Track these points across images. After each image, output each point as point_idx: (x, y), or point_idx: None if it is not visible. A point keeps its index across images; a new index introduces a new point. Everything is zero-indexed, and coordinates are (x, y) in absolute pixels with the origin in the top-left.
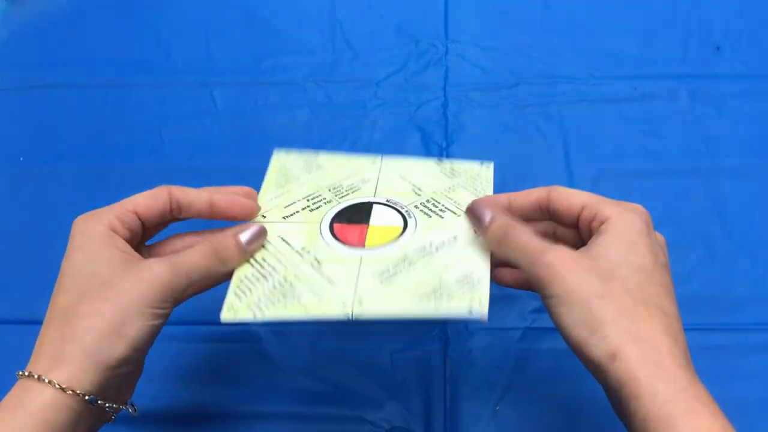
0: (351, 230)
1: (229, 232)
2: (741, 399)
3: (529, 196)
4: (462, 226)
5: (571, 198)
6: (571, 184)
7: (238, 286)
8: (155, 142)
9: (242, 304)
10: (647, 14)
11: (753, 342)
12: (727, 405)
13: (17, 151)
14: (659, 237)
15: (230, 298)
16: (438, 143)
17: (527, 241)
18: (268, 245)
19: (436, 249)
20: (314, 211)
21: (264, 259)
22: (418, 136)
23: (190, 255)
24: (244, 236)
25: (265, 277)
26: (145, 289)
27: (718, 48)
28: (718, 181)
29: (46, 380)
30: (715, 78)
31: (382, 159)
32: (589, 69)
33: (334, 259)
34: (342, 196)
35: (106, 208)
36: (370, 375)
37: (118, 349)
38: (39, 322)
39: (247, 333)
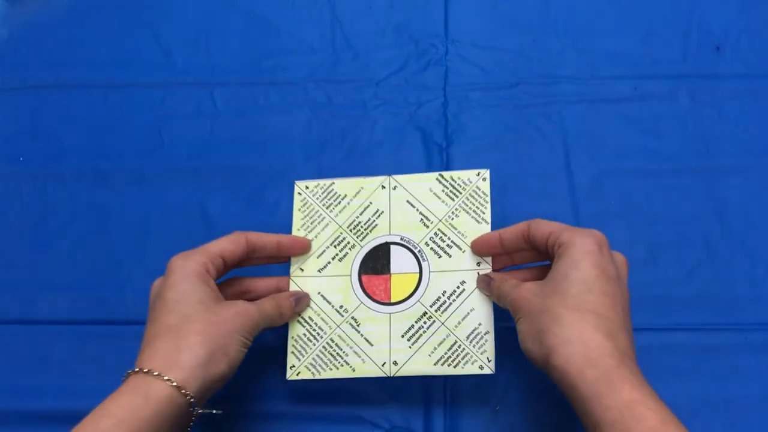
0: (377, 282)
1: (286, 294)
2: (741, 399)
3: (515, 230)
4: (466, 264)
5: (542, 228)
6: (571, 184)
7: (294, 346)
8: (155, 142)
9: (301, 365)
10: (647, 14)
11: (753, 342)
12: (727, 405)
13: (17, 151)
14: (618, 257)
15: (291, 359)
16: (438, 143)
17: (508, 289)
18: (312, 304)
19: (449, 299)
20: (342, 260)
21: (311, 318)
22: (418, 136)
23: (265, 304)
24: (294, 298)
25: (315, 337)
26: (242, 321)
27: (718, 48)
28: (718, 181)
29: (165, 378)
30: (715, 78)
31: (390, 182)
32: (589, 69)
33: (369, 318)
34: (362, 237)
35: (198, 251)
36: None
37: (221, 365)
38: (39, 322)
39: None
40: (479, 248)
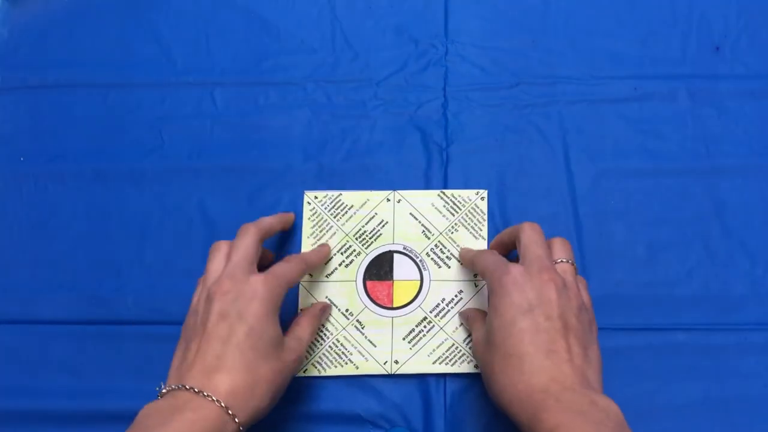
0: (381, 288)
1: (316, 312)
2: (741, 399)
3: (468, 254)
4: (464, 275)
5: (478, 268)
6: (571, 184)
7: None
8: (155, 142)
9: (308, 363)
10: (647, 14)
11: (753, 342)
12: (727, 405)
13: (17, 151)
14: (544, 277)
15: None
16: (438, 143)
17: (470, 329)
18: None
19: (447, 305)
20: (349, 267)
21: None
22: (418, 136)
23: (305, 333)
24: (321, 311)
25: (322, 337)
26: (296, 367)
27: (717, 48)
28: (718, 181)
29: (237, 420)
30: (715, 78)
31: (394, 196)
32: (589, 69)
33: (372, 321)
34: (367, 245)
35: (277, 280)
36: (370, 374)
37: (272, 408)
38: (39, 322)
39: None
40: (464, 314)
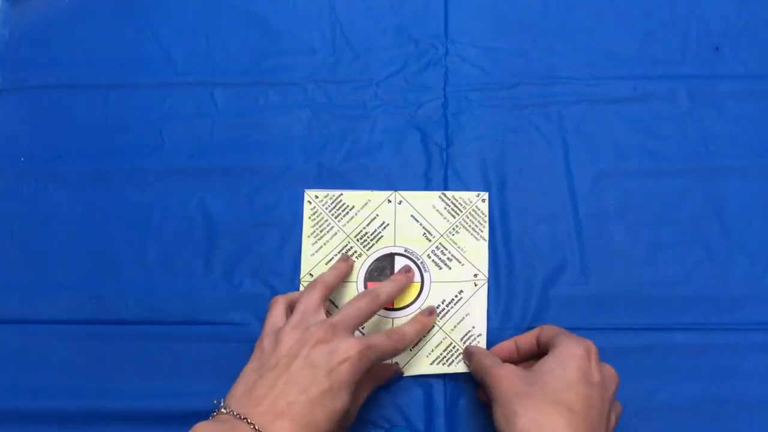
0: None
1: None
2: (740, 399)
3: (529, 336)
4: (465, 276)
5: (547, 333)
6: (571, 184)
7: None
8: (155, 142)
9: None
10: (647, 14)
11: (752, 342)
12: (727, 405)
13: (17, 151)
14: (608, 370)
15: None
16: (438, 143)
17: (489, 363)
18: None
19: (447, 306)
20: None
21: None
22: (418, 136)
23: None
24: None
25: None
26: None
27: (717, 48)
28: (718, 181)
29: None
30: (715, 78)
31: (395, 197)
32: (589, 69)
33: (373, 322)
34: (369, 247)
35: (373, 350)
36: None
37: None
38: (39, 322)
39: (247, 333)
40: (497, 354)
